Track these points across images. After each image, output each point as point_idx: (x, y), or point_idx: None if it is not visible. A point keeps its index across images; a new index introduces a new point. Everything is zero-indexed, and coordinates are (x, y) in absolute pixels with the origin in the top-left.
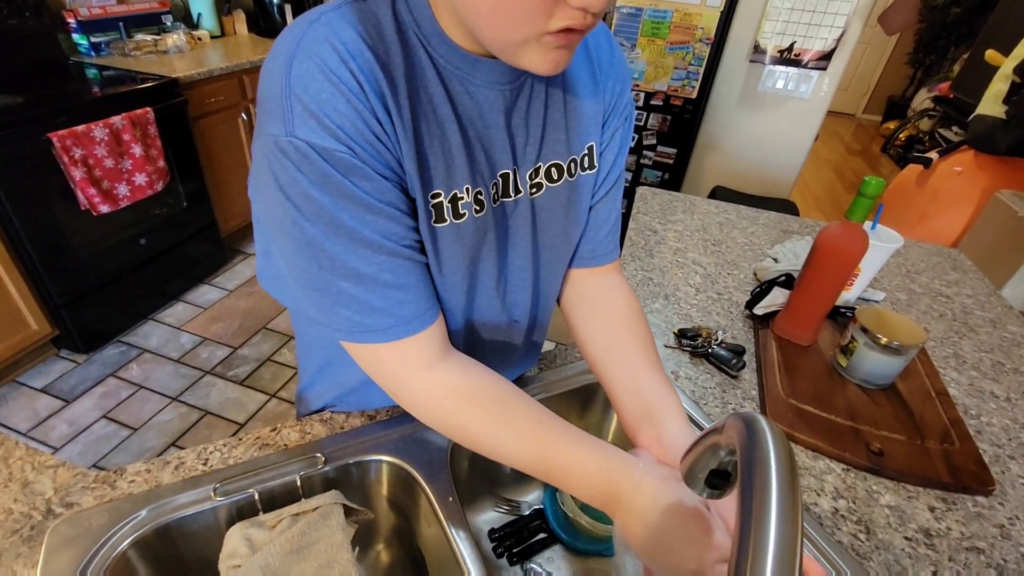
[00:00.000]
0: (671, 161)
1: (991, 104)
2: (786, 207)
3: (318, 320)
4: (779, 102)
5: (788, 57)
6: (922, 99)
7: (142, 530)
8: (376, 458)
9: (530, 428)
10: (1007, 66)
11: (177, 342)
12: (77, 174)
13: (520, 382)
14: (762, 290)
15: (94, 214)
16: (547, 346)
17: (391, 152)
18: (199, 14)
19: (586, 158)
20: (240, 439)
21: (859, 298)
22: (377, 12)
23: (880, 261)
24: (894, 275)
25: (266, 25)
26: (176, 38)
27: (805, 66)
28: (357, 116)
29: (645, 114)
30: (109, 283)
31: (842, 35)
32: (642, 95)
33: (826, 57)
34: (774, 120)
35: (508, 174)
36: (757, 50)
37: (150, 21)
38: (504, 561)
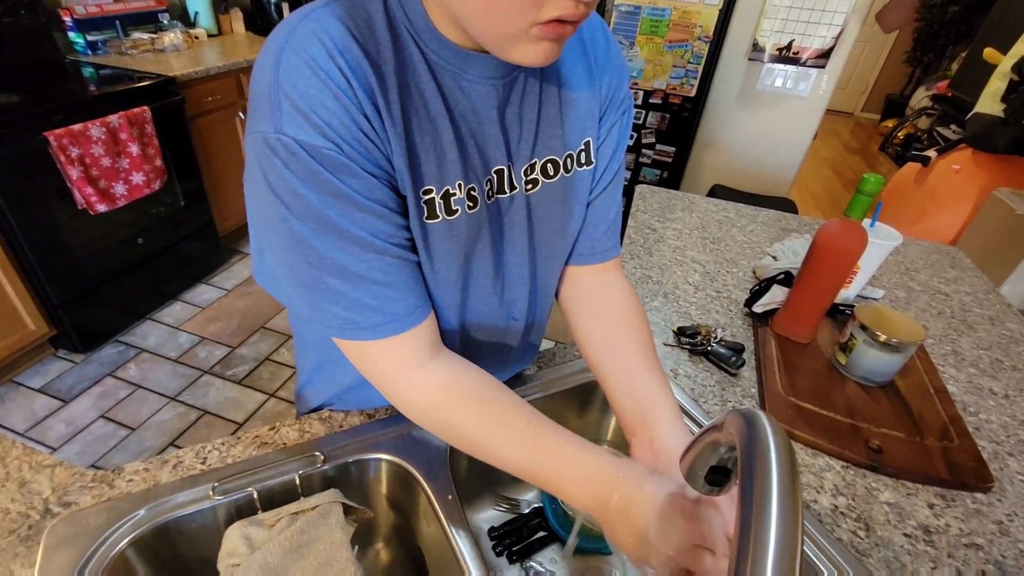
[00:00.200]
0: (670, 159)
1: (989, 102)
2: (785, 205)
3: (310, 317)
4: (778, 100)
5: (787, 55)
6: (920, 97)
7: (140, 529)
8: (375, 457)
9: (520, 428)
10: (1005, 64)
11: (175, 342)
12: (74, 173)
13: (518, 380)
14: (761, 288)
15: (91, 213)
16: (546, 344)
17: (380, 149)
18: (196, 12)
19: (583, 153)
20: (239, 438)
21: (858, 296)
22: (368, 8)
23: (879, 259)
24: (893, 273)
25: (263, 23)
26: (173, 36)
27: (804, 64)
28: (345, 113)
29: (644, 112)
30: (107, 283)
31: (840, 33)
32: (641, 93)
33: (824, 55)
34: (773, 118)
35: (502, 170)
36: (756, 48)
37: (147, 19)
38: (503, 560)
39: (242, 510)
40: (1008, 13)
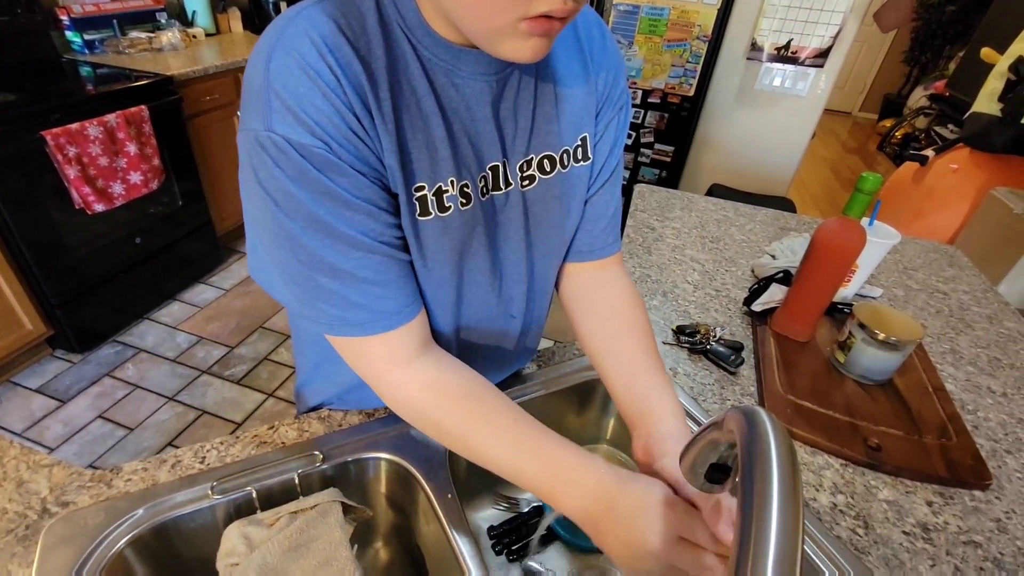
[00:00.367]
0: (669, 159)
1: (986, 102)
2: (783, 204)
3: (301, 313)
4: (776, 100)
5: (785, 55)
6: (918, 97)
7: (139, 529)
8: (374, 456)
9: (506, 427)
10: (1002, 64)
11: (173, 341)
12: (71, 172)
13: (517, 379)
14: (760, 287)
15: (89, 213)
16: (545, 343)
17: (370, 148)
18: (194, 11)
19: (579, 149)
20: (237, 437)
21: (856, 294)
22: (360, 5)
23: (877, 257)
24: (891, 271)
25: (261, 22)
26: (171, 36)
27: (802, 63)
28: (334, 111)
29: (642, 112)
30: (104, 282)
31: (838, 33)
32: (639, 92)
33: (823, 54)
34: (771, 118)
35: (497, 166)
36: (754, 47)
37: (144, 18)
38: (503, 559)
39: (241, 509)
40: (1005, 13)
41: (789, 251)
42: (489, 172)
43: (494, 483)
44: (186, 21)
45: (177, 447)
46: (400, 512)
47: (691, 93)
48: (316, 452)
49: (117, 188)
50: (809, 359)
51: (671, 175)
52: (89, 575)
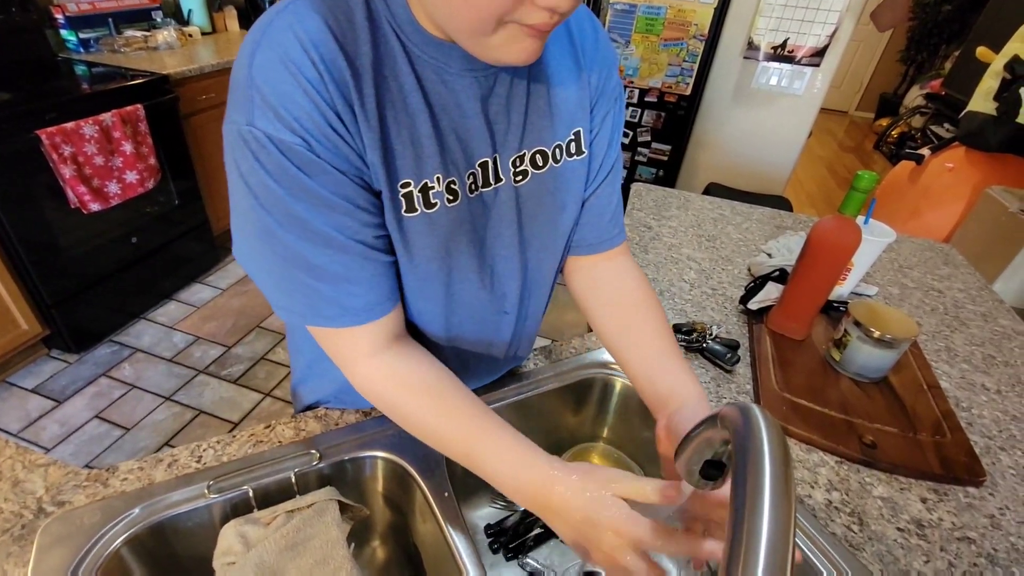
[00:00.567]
0: (665, 158)
1: (982, 101)
2: (780, 203)
3: (276, 302)
4: (773, 99)
5: (781, 54)
6: (914, 96)
7: (135, 528)
8: (371, 454)
9: (464, 422)
10: (997, 63)
11: (170, 341)
12: (67, 172)
13: (513, 377)
14: (756, 285)
15: (84, 212)
16: (542, 342)
17: (350, 146)
18: (190, 10)
19: (572, 144)
20: (234, 436)
21: (852, 292)
22: (349, 0)
23: (873, 255)
24: (887, 270)
25: None
26: (166, 34)
27: (798, 62)
28: (315, 108)
29: (639, 111)
30: (100, 282)
31: (835, 32)
32: (636, 92)
33: (819, 53)
34: (768, 117)
35: (487, 162)
36: (751, 46)
37: (140, 17)
38: (500, 557)
39: (237, 508)
40: (1000, 12)
41: (785, 249)
42: (478, 168)
43: None
44: (182, 20)
45: (174, 447)
46: (397, 511)
47: (688, 92)
48: (313, 451)
49: (113, 187)
50: (805, 357)
51: (668, 174)
52: (85, 575)
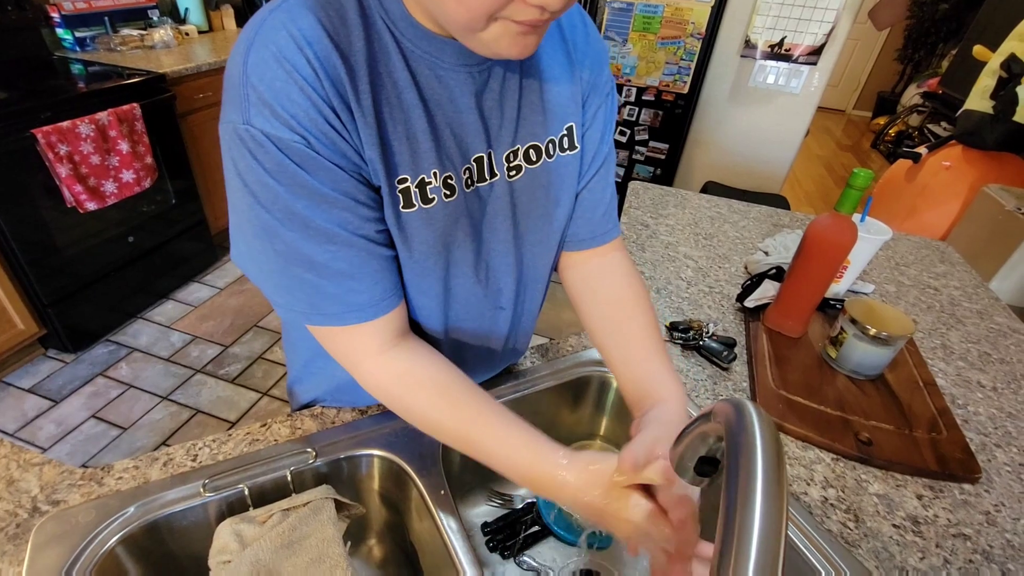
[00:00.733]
0: (663, 156)
1: (979, 99)
2: (777, 202)
3: (277, 302)
4: (770, 97)
5: (779, 52)
6: (911, 95)
7: (130, 527)
8: (367, 453)
9: (470, 417)
10: (994, 62)
11: (167, 341)
12: (63, 171)
13: (510, 375)
14: (753, 283)
15: (80, 212)
16: (539, 340)
17: (348, 142)
18: (186, 9)
19: (565, 138)
20: (230, 435)
21: (849, 290)
22: None
23: (869, 253)
24: (883, 267)
25: None
26: (163, 33)
27: (795, 61)
28: (311, 105)
29: (637, 109)
30: (97, 282)
31: (832, 30)
32: (633, 90)
33: (816, 52)
34: (765, 115)
35: (482, 157)
36: (748, 45)
37: (136, 16)
38: (497, 555)
39: (233, 507)
40: (997, 11)
41: (782, 247)
42: (474, 163)
43: (488, 479)
44: (178, 18)
45: (170, 446)
46: (393, 509)
47: (685, 91)
48: (309, 449)
49: (109, 186)
50: (801, 354)
51: (665, 172)
52: (80, 573)
